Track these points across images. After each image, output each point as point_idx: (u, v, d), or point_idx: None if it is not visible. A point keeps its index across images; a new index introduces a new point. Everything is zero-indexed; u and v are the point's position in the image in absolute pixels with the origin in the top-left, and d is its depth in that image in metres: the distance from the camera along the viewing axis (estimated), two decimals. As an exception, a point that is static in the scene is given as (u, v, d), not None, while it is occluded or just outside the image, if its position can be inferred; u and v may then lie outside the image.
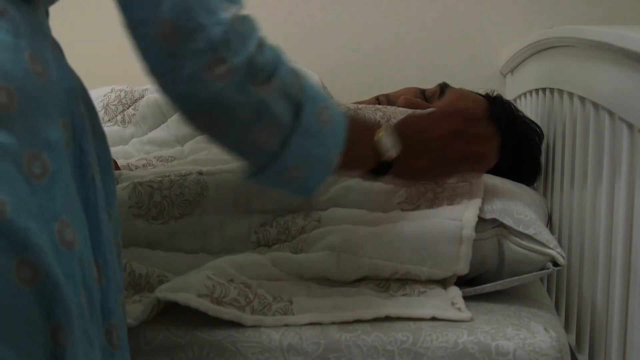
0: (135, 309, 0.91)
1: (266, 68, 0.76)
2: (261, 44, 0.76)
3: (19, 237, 0.59)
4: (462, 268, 1.01)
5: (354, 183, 1.10)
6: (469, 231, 1.01)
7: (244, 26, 0.74)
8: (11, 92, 0.61)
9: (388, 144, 0.94)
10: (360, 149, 0.92)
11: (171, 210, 1.07)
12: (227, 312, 0.91)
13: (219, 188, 1.09)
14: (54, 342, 0.62)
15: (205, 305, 0.90)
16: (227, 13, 0.73)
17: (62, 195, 0.64)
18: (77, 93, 0.70)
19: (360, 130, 0.91)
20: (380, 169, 0.96)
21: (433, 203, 1.07)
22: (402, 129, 0.96)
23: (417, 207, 1.07)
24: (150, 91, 1.43)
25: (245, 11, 0.75)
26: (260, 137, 0.80)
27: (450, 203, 1.06)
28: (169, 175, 1.09)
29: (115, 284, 0.73)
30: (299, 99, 0.80)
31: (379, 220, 1.06)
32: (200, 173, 1.09)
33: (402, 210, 1.07)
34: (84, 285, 0.67)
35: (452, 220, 1.01)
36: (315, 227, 1.08)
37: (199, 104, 0.76)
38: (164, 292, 0.91)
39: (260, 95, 0.76)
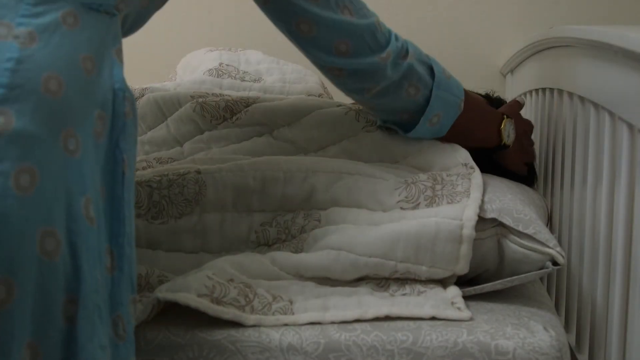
0: (135, 308, 0.91)
1: (404, 46, 1.12)
2: (394, 34, 1.12)
3: (47, 207, 0.66)
4: (462, 267, 1.01)
5: (354, 182, 1.10)
6: (469, 230, 1.01)
7: (384, 26, 1.11)
8: (61, 82, 0.71)
9: (509, 133, 1.25)
10: (489, 129, 1.24)
11: (170, 209, 1.07)
12: (227, 312, 0.91)
13: (217, 187, 1.09)
14: (67, 312, 0.67)
15: (205, 305, 0.90)
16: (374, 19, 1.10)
17: (89, 175, 0.72)
18: (125, 95, 0.79)
19: (489, 113, 1.25)
20: (494, 149, 1.25)
21: (433, 201, 1.07)
22: (515, 126, 1.27)
23: (416, 206, 1.07)
24: (150, 90, 1.43)
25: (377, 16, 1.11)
26: (410, 90, 1.13)
27: (450, 202, 1.06)
28: (167, 175, 1.09)
29: (128, 279, 0.76)
30: (428, 61, 1.16)
31: (379, 219, 1.06)
32: (198, 172, 1.09)
33: (402, 208, 1.07)
34: (100, 265, 0.71)
35: (452, 220, 1.01)
36: (315, 226, 1.08)
37: (373, 76, 1.10)
38: (163, 292, 0.91)
39: (406, 62, 1.11)
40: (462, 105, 1.18)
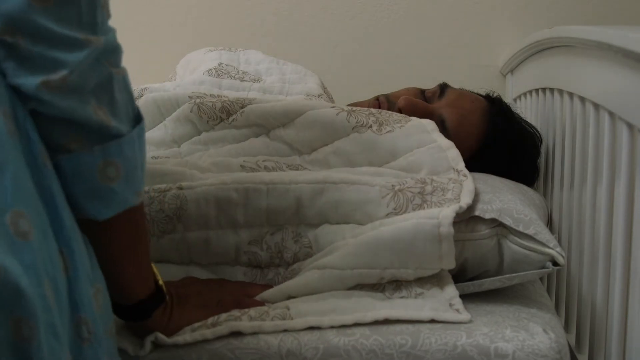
0: (132, 340, 0.89)
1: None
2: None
3: None
4: (448, 264, 1.00)
5: (340, 194, 1.08)
6: (446, 228, 0.98)
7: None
8: None
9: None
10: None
11: (152, 228, 1.04)
12: (224, 329, 0.90)
13: (198, 201, 1.05)
14: (18, 336, 0.60)
15: (203, 334, 0.89)
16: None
17: (12, 185, 0.63)
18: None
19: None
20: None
21: (421, 209, 1.05)
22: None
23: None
24: (149, 90, 1.42)
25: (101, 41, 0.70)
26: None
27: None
28: (148, 192, 1.06)
29: (85, 275, 0.71)
30: None
31: (364, 232, 1.04)
32: (180, 188, 1.06)
33: None
34: (48, 277, 0.65)
35: (428, 219, 0.99)
36: (307, 253, 1.05)
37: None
38: (160, 336, 0.89)
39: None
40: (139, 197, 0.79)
